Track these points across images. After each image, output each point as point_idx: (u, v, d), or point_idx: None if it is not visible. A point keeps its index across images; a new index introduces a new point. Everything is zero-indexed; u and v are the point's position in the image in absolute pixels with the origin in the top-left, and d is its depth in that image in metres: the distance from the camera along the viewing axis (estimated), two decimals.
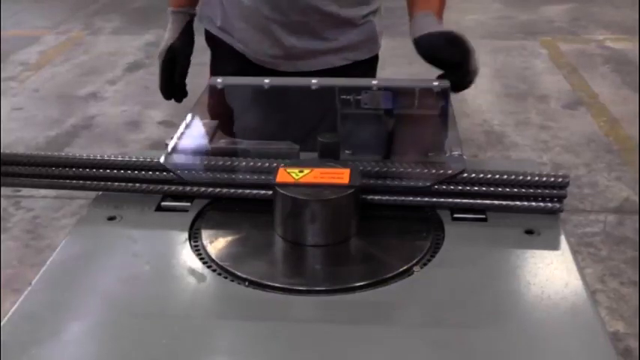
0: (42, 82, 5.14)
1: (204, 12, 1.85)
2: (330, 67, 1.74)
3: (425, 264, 1.09)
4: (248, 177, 1.22)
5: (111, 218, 1.23)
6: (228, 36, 1.80)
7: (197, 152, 1.26)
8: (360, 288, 1.03)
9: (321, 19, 1.69)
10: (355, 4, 1.72)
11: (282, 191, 1.12)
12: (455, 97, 1.35)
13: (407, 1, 1.65)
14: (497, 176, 1.20)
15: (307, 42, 1.71)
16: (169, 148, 1.25)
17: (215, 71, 1.85)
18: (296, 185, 1.12)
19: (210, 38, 1.87)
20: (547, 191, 1.20)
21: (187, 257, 1.11)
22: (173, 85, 1.79)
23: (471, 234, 1.17)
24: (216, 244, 1.15)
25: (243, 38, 1.75)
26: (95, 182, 1.29)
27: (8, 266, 2.95)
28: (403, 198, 1.21)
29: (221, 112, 1.53)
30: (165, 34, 1.80)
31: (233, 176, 1.23)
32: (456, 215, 1.21)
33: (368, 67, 1.82)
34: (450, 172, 1.19)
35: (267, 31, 1.70)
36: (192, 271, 1.08)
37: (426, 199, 1.21)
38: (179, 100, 1.80)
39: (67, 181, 1.30)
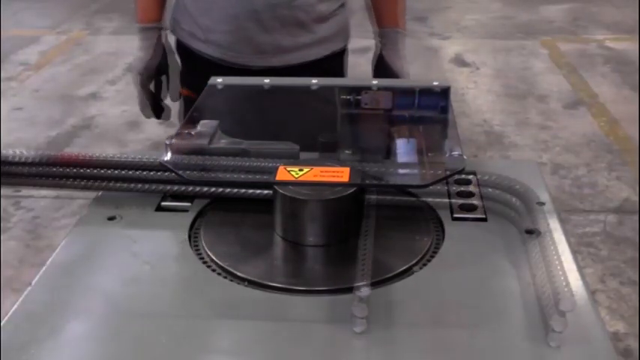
0: (42, 82, 5.14)
1: (175, 19, 1.82)
2: (312, 60, 1.76)
3: (424, 264, 1.09)
4: (249, 177, 1.22)
5: (111, 218, 1.22)
6: (199, 42, 1.77)
7: (197, 152, 1.25)
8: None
9: (301, 11, 1.71)
10: None
11: (281, 191, 1.12)
12: (455, 97, 1.35)
13: (373, 9, 1.82)
14: None
15: (288, 35, 1.73)
16: (169, 148, 1.25)
17: (186, 81, 1.83)
18: (295, 184, 1.12)
19: (180, 47, 1.84)
20: None
21: (187, 257, 1.11)
22: (156, 104, 1.79)
23: (471, 234, 1.17)
24: (216, 244, 1.15)
25: (220, 39, 1.74)
26: (95, 182, 1.29)
27: (8, 266, 2.95)
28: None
29: (219, 113, 1.53)
30: (138, 52, 1.77)
31: (234, 176, 1.23)
32: (456, 215, 1.21)
33: (342, 57, 1.86)
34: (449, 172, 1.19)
35: (246, 26, 1.70)
36: (192, 271, 1.08)
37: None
38: (160, 117, 1.80)
39: (67, 180, 1.30)
